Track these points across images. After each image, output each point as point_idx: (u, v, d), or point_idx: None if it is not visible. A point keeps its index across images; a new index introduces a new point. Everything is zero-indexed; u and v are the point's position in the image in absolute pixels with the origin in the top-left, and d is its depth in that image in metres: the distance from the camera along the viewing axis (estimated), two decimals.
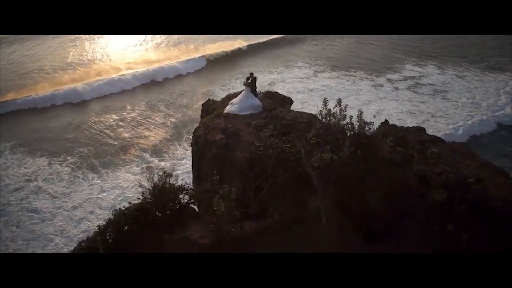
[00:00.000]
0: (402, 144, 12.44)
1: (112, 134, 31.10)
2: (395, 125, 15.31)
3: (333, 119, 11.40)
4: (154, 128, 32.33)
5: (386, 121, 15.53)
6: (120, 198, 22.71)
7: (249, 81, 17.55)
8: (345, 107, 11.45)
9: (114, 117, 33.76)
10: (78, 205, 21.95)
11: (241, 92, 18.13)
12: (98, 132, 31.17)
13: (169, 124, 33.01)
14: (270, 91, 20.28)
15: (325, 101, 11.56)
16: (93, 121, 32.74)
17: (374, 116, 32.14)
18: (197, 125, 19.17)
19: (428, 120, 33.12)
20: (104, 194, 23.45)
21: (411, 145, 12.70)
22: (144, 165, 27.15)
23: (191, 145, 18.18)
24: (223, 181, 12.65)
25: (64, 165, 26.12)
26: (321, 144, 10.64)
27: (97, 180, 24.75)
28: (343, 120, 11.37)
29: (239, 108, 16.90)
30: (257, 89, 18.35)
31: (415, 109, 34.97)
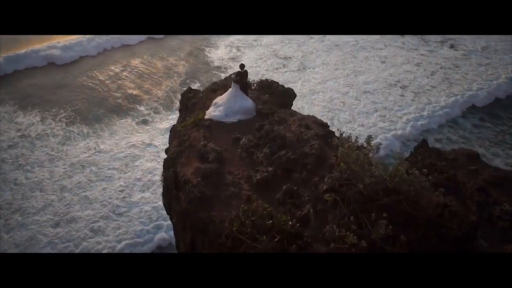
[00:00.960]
0: (454, 187, 8.93)
1: (105, 87, 30.70)
2: (437, 149, 11.63)
3: (358, 161, 7.66)
4: (149, 80, 31.92)
5: (424, 141, 12.32)
6: (117, 156, 23.01)
7: (239, 77, 13.77)
8: (377, 148, 8.12)
9: (112, 68, 33.13)
10: (76, 162, 22.19)
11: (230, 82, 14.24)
12: (91, 85, 30.74)
13: (164, 76, 32.61)
14: (267, 80, 16.26)
15: (346, 136, 8.55)
16: (86, 75, 32.07)
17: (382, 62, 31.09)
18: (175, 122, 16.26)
19: (437, 71, 32.67)
20: (101, 148, 23.69)
21: (467, 192, 9.21)
22: (140, 119, 27.21)
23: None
24: (197, 250, 9.90)
25: (57, 119, 25.98)
26: (339, 204, 7.49)
27: (92, 135, 24.86)
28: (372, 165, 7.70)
29: (225, 112, 13.53)
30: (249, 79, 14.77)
31: (423, 59, 34.34)
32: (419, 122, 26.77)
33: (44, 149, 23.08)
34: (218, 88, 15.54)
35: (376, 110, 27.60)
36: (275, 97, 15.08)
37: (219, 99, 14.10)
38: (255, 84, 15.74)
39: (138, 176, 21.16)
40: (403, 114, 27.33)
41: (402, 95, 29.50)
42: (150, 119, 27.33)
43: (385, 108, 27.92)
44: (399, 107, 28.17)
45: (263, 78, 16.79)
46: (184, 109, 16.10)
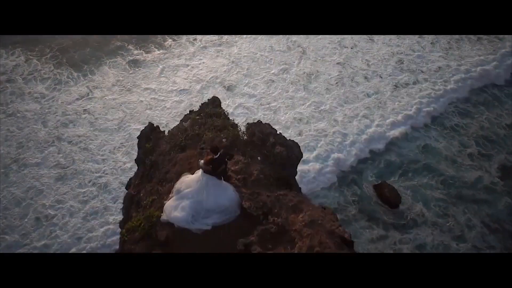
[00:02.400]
0: None
1: None
2: None
3: None
4: None
5: None
6: (112, 102, 22.74)
7: (213, 161, 9.25)
8: None
9: None
10: (69, 110, 21.85)
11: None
12: None
13: None
14: (259, 124, 11.97)
15: None
16: None
17: None
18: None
19: None
20: (94, 93, 23.17)
21: None
22: (130, 58, 26.40)
23: None
24: None
25: (43, 60, 25.07)
26: None
27: (82, 79, 24.26)
28: None
29: (193, 211, 9.15)
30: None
31: None
32: (449, 87, 24.16)
33: (34, 95, 22.59)
34: (187, 143, 11.23)
35: (393, 54, 26.56)
36: (270, 164, 10.73)
37: (185, 185, 9.64)
38: (243, 134, 11.61)
39: (137, 127, 21.10)
40: (423, 64, 25.73)
41: (419, 37, 27.88)
42: (141, 58, 26.51)
43: (402, 53, 26.65)
44: (417, 52, 26.64)
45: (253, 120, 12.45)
46: (142, 164, 12.14)
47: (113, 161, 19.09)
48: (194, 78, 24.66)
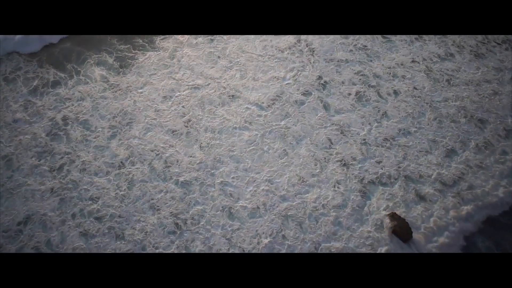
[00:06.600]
0: None
1: None
2: None
3: None
4: None
5: None
6: (105, 113, 22.43)
7: None
8: None
9: None
10: (58, 119, 21.65)
11: None
12: None
13: None
14: None
15: None
16: None
17: None
18: None
19: None
20: (84, 100, 22.78)
21: None
22: (117, 55, 25.65)
23: None
24: None
25: (24, 57, 24.39)
26: None
27: (69, 81, 23.46)
28: None
29: None
30: None
31: None
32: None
33: (19, 102, 22.06)
34: None
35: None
36: None
37: None
38: None
39: (138, 153, 20.88)
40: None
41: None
42: (130, 55, 25.66)
43: (429, 61, 24.94)
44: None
45: None
46: None
47: (113, 189, 19.28)
48: (191, 83, 24.30)
